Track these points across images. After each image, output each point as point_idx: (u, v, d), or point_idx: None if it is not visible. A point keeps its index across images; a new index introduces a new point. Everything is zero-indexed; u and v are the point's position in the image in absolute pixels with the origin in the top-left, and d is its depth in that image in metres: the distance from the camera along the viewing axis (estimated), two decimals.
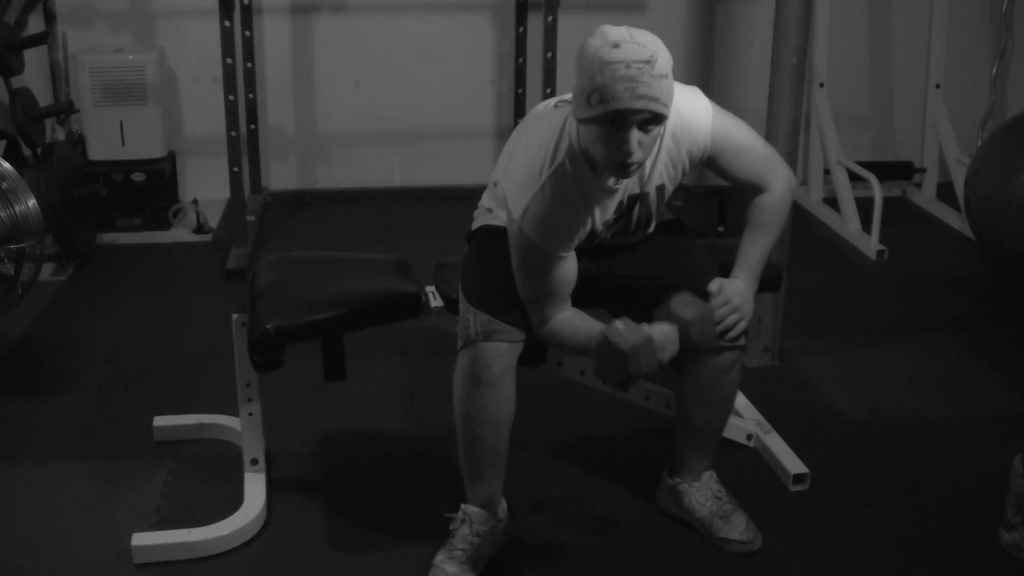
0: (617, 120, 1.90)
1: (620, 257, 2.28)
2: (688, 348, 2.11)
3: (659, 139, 2.06)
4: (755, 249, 2.24)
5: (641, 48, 1.89)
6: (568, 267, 2.11)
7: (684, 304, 2.09)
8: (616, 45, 1.89)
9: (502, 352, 2.14)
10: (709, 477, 2.40)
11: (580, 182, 2.04)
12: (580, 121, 1.96)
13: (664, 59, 1.91)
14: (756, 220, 2.24)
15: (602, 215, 2.14)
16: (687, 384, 2.31)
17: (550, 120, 2.09)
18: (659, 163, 2.12)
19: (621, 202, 2.15)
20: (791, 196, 2.26)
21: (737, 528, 2.35)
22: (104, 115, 4.21)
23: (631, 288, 2.29)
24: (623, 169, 1.98)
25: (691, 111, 2.11)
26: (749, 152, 2.18)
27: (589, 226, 2.12)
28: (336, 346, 2.35)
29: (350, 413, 2.91)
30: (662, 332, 2.06)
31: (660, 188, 2.18)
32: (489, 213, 2.30)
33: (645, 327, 2.04)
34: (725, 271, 2.26)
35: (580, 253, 2.17)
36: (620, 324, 2.02)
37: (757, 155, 2.19)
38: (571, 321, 2.14)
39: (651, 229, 2.29)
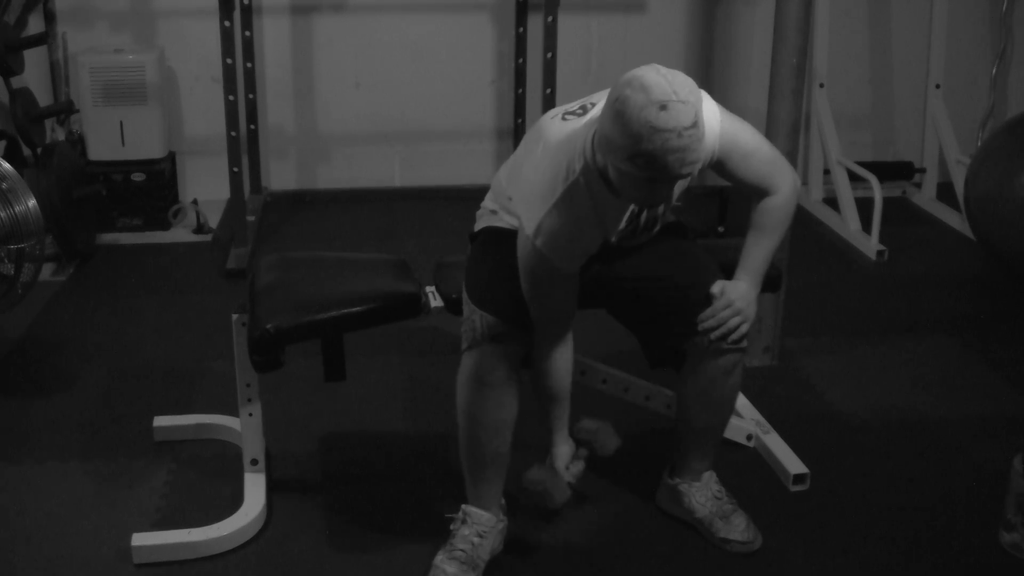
0: (661, 179, 1.89)
1: (623, 260, 2.27)
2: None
3: None
4: (759, 251, 2.23)
5: (686, 108, 1.83)
6: (574, 286, 2.12)
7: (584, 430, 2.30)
8: (663, 107, 1.81)
9: (507, 354, 2.14)
10: (709, 477, 2.40)
11: (595, 199, 2.02)
12: (615, 168, 1.91)
13: (700, 108, 1.86)
14: (761, 222, 2.23)
15: (615, 228, 2.14)
16: (688, 386, 2.31)
17: (560, 134, 2.06)
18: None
19: (632, 210, 2.15)
20: (796, 198, 2.24)
21: (737, 528, 2.35)
22: (104, 115, 4.21)
23: (634, 291, 2.28)
24: (654, 207, 1.98)
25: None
26: (756, 155, 2.16)
27: (601, 240, 2.12)
28: (336, 346, 2.35)
29: (350, 413, 2.91)
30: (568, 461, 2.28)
31: (656, 213, 2.19)
32: (493, 215, 2.30)
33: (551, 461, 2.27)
34: (726, 271, 2.26)
35: (608, 253, 2.19)
36: (534, 471, 2.24)
37: (764, 158, 2.18)
38: (555, 364, 2.18)
39: (655, 230, 2.28)
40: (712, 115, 2.09)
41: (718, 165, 2.15)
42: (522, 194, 2.09)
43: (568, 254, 2.05)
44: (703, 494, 2.38)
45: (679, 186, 2.13)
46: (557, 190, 2.01)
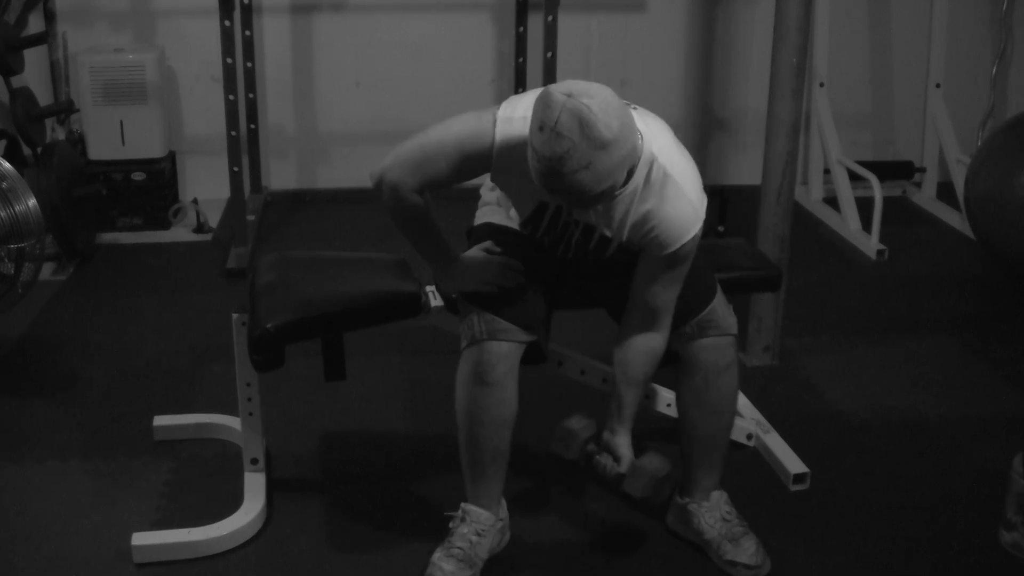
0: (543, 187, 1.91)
1: (621, 269, 2.23)
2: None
3: (630, 202, 2.02)
4: (634, 402, 2.20)
5: (558, 140, 1.82)
6: (460, 178, 2.08)
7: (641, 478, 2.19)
8: (540, 128, 1.84)
9: (507, 352, 2.14)
10: (719, 497, 2.35)
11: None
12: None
13: (587, 147, 1.82)
14: (636, 375, 2.18)
15: (525, 203, 2.13)
16: (684, 389, 2.29)
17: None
18: (617, 218, 2.06)
19: (545, 208, 2.12)
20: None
21: (746, 552, 2.28)
22: (104, 115, 4.21)
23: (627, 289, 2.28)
24: (564, 210, 2.01)
25: (679, 215, 2.04)
26: (678, 287, 2.13)
27: (530, 204, 2.11)
28: (336, 345, 2.34)
29: (350, 413, 2.91)
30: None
31: (604, 237, 2.12)
32: (488, 208, 2.32)
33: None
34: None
35: (582, 267, 2.18)
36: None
37: (677, 295, 2.14)
38: (427, 214, 2.15)
39: (607, 253, 2.18)
40: (692, 226, 2.05)
41: (645, 254, 2.10)
42: (517, 99, 2.08)
43: (503, 149, 2.01)
44: (712, 515, 2.32)
45: (616, 235, 2.09)
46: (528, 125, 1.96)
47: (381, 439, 2.81)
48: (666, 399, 2.65)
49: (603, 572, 2.31)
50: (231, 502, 2.44)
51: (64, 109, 4.19)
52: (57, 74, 4.34)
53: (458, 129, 2.07)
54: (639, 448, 2.22)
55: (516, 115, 2.01)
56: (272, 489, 2.52)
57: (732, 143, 4.91)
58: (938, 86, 4.66)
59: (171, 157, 4.46)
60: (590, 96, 1.84)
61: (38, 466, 2.65)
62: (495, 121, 2.02)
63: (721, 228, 4.16)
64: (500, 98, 4.69)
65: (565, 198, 1.92)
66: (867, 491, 2.59)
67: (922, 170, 4.82)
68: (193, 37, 4.42)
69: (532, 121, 1.87)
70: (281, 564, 2.31)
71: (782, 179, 3.04)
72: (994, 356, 3.31)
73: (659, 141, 2.03)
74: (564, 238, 2.17)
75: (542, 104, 1.85)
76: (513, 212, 2.24)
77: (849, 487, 2.60)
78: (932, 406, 3.00)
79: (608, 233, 2.10)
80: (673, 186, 2.02)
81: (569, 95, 1.83)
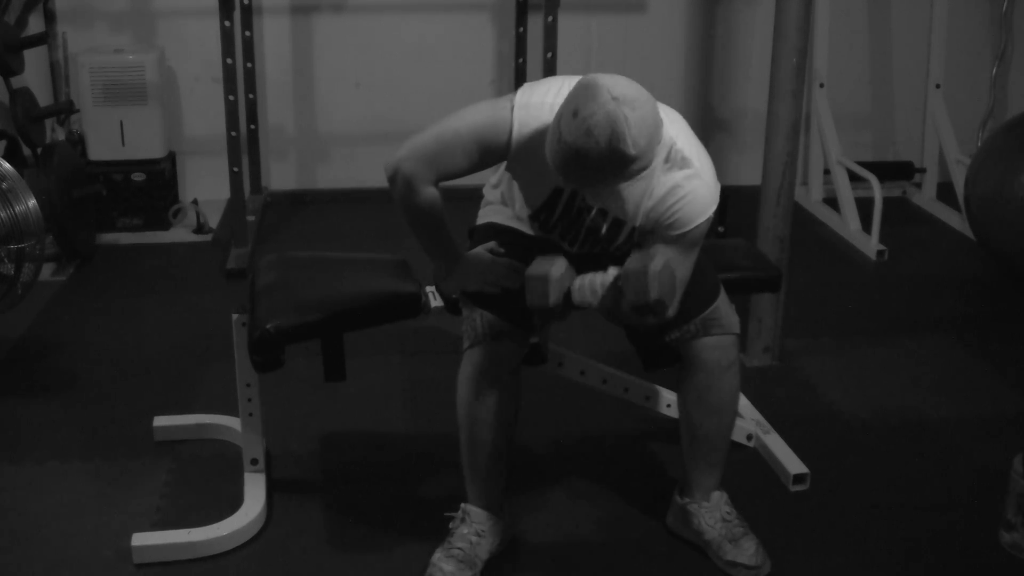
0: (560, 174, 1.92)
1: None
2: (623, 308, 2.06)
3: (647, 185, 2.02)
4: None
5: (586, 136, 1.82)
6: (473, 167, 2.06)
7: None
8: (575, 113, 1.83)
9: (508, 352, 2.14)
10: (719, 498, 2.34)
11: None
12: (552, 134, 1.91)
13: (608, 155, 1.83)
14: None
15: (542, 188, 2.11)
16: (685, 389, 2.29)
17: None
18: (633, 200, 2.05)
19: (561, 193, 2.11)
20: None
21: (746, 552, 2.28)
22: (104, 115, 4.21)
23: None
24: (578, 197, 2.04)
25: (695, 195, 2.03)
26: (684, 277, 2.10)
27: (546, 190, 2.10)
28: (336, 346, 2.34)
29: (350, 413, 2.91)
30: (592, 276, 2.07)
31: (618, 220, 2.11)
32: (491, 207, 2.32)
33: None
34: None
35: (586, 266, 2.19)
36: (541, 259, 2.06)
37: (685, 279, 2.11)
38: (439, 208, 2.09)
39: (616, 243, 2.18)
40: (703, 212, 2.04)
41: (651, 235, 2.08)
42: (532, 85, 2.08)
43: (520, 138, 2.00)
44: (712, 515, 2.32)
45: (630, 218, 2.08)
46: (555, 107, 1.97)
47: (381, 439, 2.81)
48: (666, 400, 2.66)
49: (603, 572, 2.31)
50: (231, 502, 2.44)
51: (64, 109, 4.19)
52: (57, 74, 4.34)
53: (474, 119, 2.06)
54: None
55: (533, 100, 2.01)
56: (272, 489, 2.52)
57: (732, 143, 4.91)
58: (938, 86, 4.66)
59: (171, 158, 4.46)
60: (632, 107, 1.85)
61: (38, 466, 2.65)
62: (513, 107, 2.02)
63: (721, 228, 4.16)
64: None
65: (583, 189, 1.94)
66: (867, 491, 2.59)
67: (922, 170, 4.82)
68: (193, 37, 4.42)
69: (568, 101, 1.86)
70: (281, 564, 2.31)
71: (782, 179, 3.04)
72: (994, 356, 3.31)
73: (676, 125, 2.06)
74: (577, 224, 2.17)
75: (585, 92, 1.84)
76: (519, 208, 2.23)
77: (849, 487, 2.60)
78: (932, 406, 3.00)
79: (622, 216, 2.09)
80: (690, 168, 2.03)
81: (616, 99, 1.84)
